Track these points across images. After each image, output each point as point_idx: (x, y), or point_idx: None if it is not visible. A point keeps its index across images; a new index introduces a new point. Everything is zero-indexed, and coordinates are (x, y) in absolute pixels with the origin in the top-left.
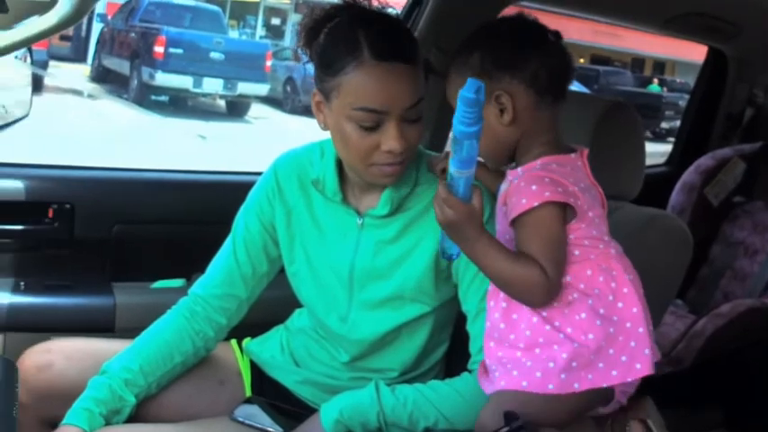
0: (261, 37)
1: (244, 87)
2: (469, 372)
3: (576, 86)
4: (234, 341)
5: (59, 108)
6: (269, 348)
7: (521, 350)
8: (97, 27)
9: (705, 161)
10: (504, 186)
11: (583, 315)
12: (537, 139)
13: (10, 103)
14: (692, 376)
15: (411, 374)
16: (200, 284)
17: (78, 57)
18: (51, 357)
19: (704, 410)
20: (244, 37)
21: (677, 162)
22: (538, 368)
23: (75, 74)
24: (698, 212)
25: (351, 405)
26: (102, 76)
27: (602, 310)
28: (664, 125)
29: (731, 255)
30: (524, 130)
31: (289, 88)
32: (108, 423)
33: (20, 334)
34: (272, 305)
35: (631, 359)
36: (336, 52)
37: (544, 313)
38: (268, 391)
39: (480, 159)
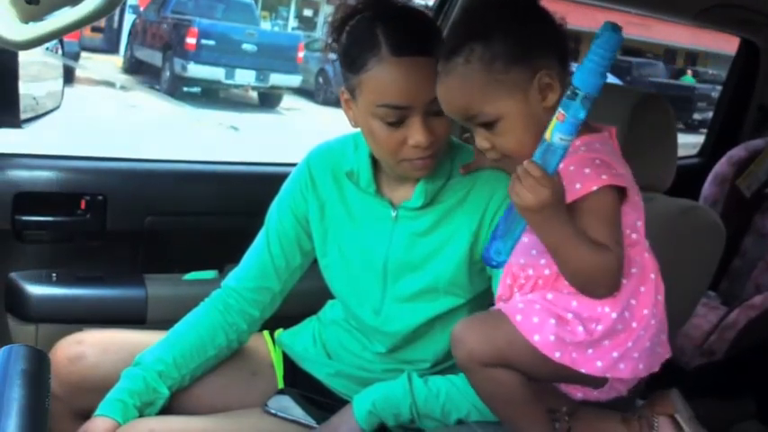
0: (293, 28)
1: (276, 79)
2: None
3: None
4: (266, 332)
5: (91, 100)
6: (301, 340)
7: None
8: (129, 18)
9: (737, 152)
10: None
11: (606, 308)
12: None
13: (41, 95)
14: (724, 367)
15: (444, 365)
16: (234, 277)
17: (110, 48)
18: (83, 349)
19: (736, 401)
20: (276, 28)
21: (709, 153)
22: (552, 332)
23: (107, 65)
24: (730, 204)
25: (383, 396)
26: (134, 67)
27: (633, 301)
28: (696, 116)
29: (763, 246)
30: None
31: (321, 79)
32: (141, 415)
33: (52, 325)
34: (304, 297)
35: (620, 358)
36: (357, 49)
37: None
38: (300, 382)
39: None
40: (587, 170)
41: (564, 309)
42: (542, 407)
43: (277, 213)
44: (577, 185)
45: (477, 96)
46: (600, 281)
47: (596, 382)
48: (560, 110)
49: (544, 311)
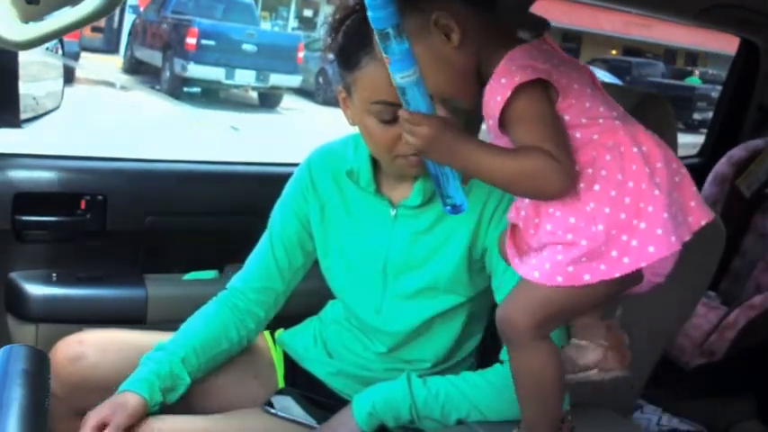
0: (293, 28)
1: (276, 79)
2: (501, 363)
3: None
4: (267, 332)
5: (91, 100)
6: (302, 340)
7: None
8: (129, 18)
9: (737, 152)
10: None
11: (592, 205)
12: (494, 46)
13: (41, 95)
14: (724, 367)
15: (444, 366)
16: (239, 278)
17: (110, 48)
18: (83, 349)
19: (736, 401)
20: (276, 28)
21: (709, 153)
22: (548, 260)
23: (107, 65)
24: (730, 204)
25: (383, 398)
26: (134, 67)
27: (612, 192)
28: (696, 116)
29: (763, 246)
30: (479, 45)
31: (321, 80)
32: (163, 400)
33: (52, 325)
34: (305, 296)
35: (642, 242)
36: (352, 48)
37: (558, 213)
38: (300, 382)
39: None
40: (503, 80)
41: (563, 232)
42: (561, 401)
43: (279, 215)
44: (498, 98)
45: None
46: (538, 183)
47: (636, 281)
48: (384, 55)
49: (550, 251)
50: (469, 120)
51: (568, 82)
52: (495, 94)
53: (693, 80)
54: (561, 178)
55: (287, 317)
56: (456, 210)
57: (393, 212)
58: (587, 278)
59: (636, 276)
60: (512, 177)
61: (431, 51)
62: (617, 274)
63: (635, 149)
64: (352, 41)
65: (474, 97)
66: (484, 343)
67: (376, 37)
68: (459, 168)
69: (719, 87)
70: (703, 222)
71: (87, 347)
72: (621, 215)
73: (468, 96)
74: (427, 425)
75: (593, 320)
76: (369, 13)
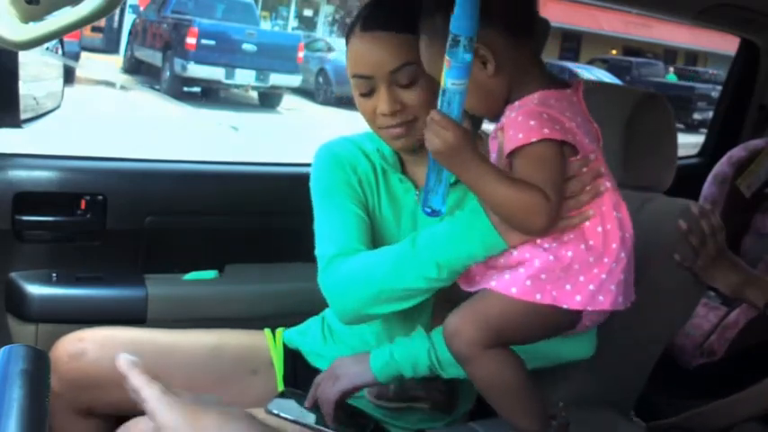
0: (293, 28)
1: (276, 79)
2: None
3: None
4: (267, 330)
5: (91, 99)
6: (311, 337)
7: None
8: (129, 18)
9: (737, 152)
10: (501, 119)
11: (571, 236)
12: (526, 77)
13: (41, 95)
14: (724, 367)
15: None
16: (336, 244)
17: (110, 48)
18: (84, 346)
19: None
20: (276, 28)
21: (710, 153)
22: (508, 271)
23: (107, 65)
24: (730, 204)
25: (401, 346)
26: (134, 67)
27: (591, 242)
28: (696, 116)
29: (763, 246)
30: (511, 74)
31: (321, 79)
32: None
33: (52, 325)
34: (306, 295)
35: (598, 290)
36: (349, 26)
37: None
38: (301, 381)
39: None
40: (532, 122)
41: (530, 250)
42: (540, 397)
43: (333, 183)
44: (520, 135)
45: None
46: (524, 217)
47: (573, 324)
48: (447, 57)
49: (514, 268)
50: (474, 119)
51: (584, 141)
52: (519, 130)
53: (671, 77)
54: (546, 219)
55: (288, 315)
56: (434, 213)
57: (417, 194)
58: (538, 297)
59: (573, 321)
60: (507, 204)
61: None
62: (564, 306)
63: (615, 214)
64: (352, 21)
65: (499, 117)
66: None
67: (449, 40)
68: (465, 182)
69: (719, 87)
70: (633, 298)
71: (87, 344)
72: (590, 258)
73: (493, 116)
74: (450, 371)
75: (541, 428)
76: (453, 14)
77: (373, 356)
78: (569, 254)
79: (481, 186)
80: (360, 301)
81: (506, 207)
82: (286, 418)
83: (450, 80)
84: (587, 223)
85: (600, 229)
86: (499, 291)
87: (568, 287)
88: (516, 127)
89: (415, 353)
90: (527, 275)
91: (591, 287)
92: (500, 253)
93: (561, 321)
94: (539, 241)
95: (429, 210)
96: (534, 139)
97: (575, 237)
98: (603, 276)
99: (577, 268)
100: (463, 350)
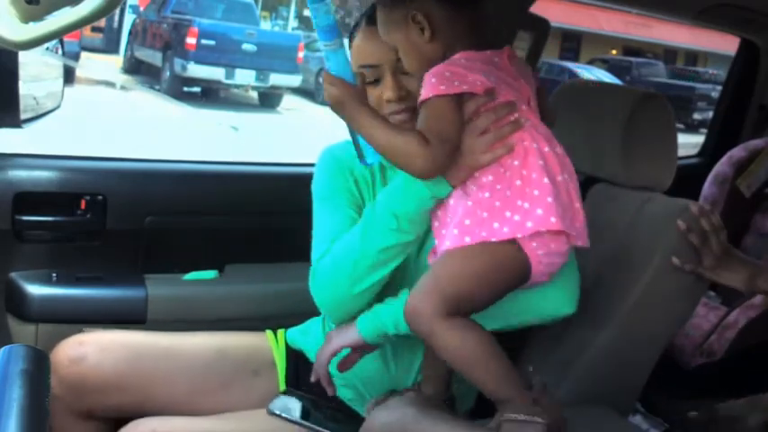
0: (293, 28)
1: (276, 79)
2: None
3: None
4: (269, 331)
5: (91, 99)
6: (313, 336)
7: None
8: (129, 18)
9: (737, 152)
10: None
11: (490, 177)
12: (459, 43)
13: (41, 95)
14: (724, 367)
15: None
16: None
17: (110, 48)
18: (84, 349)
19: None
20: (276, 28)
21: (710, 153)
22: (455, 227)
23: (107, 65)
24: (730, 204)
25: (386, 304)
26: (134, 67)
27: (507, 173)
28: (696, 116)
29: (763, 246)
30: (447, 41)
31: (321, 80)
32: None
33: (52, 325)
34: (306, 295)
35: (524, 218)
36: (352, 27)
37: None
38: (303, 381)
39: None
40: (433, 80)
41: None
42: (509, 363)
43: (334, 191)
44: (422, 91)
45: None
46: (405, 159)
47: (523, 279)
48: (314, 23)
49: (458, 221)
50: None
51: (504, 92)
52: (424, 88)
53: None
54: (425, 162)
55: (288, 315)
56: (364, 161)
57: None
58: (468, 240)
59: (523, 264)
60: (389, 148)
61: (408, 40)
62: (493, 239)
63: (534, 146)
64: (356, 21)
65: None
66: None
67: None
68: (358, 132)
69: (719, 87)
70: (579, 243)
71: (88, 348)
72: (507, 192)
73: None
74: None
75: (518, 392)
76: None
77: (360, 318)
78: (486, 195)
79: (367, 133)
80: (342, 285)
81: (389, 151)
82: (287, 419)
83: (322, 43)
84: (508, 162)
85: (517, 163)
86: (440, 251)
87: (496, 225)
88: (424, 85)
89: (397, 310)
90: (454, 225)
91: (516, 217)
92: (447, 197)
93: (508, 266)
94: (464, 188)
95: (366, 162)
96: (430, 95)
97: (494, 178)
98: (526, 206)
99: (499, 205)
100: (424, 326)
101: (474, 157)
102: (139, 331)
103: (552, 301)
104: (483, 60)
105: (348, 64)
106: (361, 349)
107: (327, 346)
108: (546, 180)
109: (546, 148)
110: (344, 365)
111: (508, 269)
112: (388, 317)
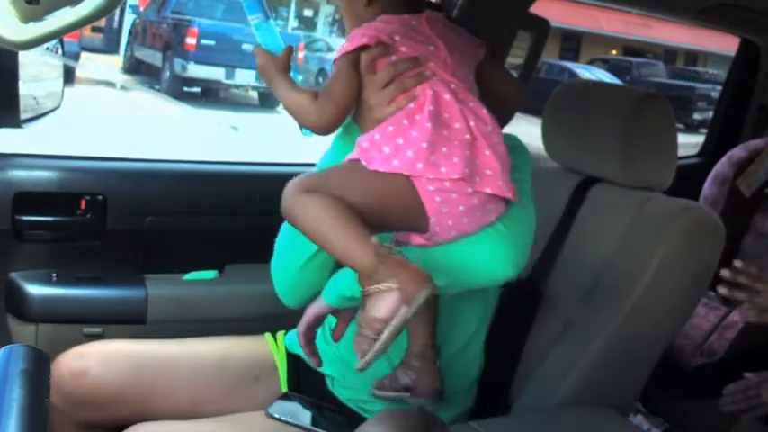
0: (293, 29)
1: None
2: None
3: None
4: (268, 335)
5: (91, 100)
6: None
7: None
8: (129, 18)
9: (737, 152)
10: None
11: (391, 128)
12: (393, 9)
13: (41, 95)
14: (724, 367)
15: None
16: None
17: (110, 48)
18: (86, 364)
19: None
20: (276, 28)
21: (710, 153)
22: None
23: (107, 65)
24: (730, 204)
25: (344, 270)
26: (134, 67)
27: (401, 114)
28: (696, 116)
29: (763, 246)
30: (383, 7)
31: (321, 79)
32: None
33: (52, 325)
34: None
35: (393, 154)
36: None
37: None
38: (304, 384)
39: None
40: (345, 44)
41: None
42: (363, 231)
43: None
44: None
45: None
46: (298, 116)
47: (422, 226)
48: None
49: None
50: None
51: (401, 45)
52: (339, 48)
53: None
54: (312, 118)
55: (288, 315)
56: (310, 134)
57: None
58: (364, 163)
59: (412, 197)
60: (288, 106)
61: (349, 5)
62: (381, 169)
63: (430, 92)
64: None
65: None
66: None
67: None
68: (276, 96)
69: (719, 87)
70: (488, 190)
71: (89, 361)
72: (390, 128)
73: None
74: None
75: (374, 259)
76: None
77: (325, 287)
78: (376, 136)
79: (278, 96)
80: (289, 259)
81: (289, 108)
82: (287, 421)
83: (249, 16)
84: (412, 105)
85: (412, 105)
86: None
87: (374, 154)
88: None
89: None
90: (364, 139)
91: (386, 150)
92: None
93: (393, 195)
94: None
95: (307, 132)
96: (337, 56)
97: (395, 129)
98: (400, 141)
99: (378, 138)
100: (287, 201)
101: (380, 109)
102: (140, 340)
103: (487, 260)
104: (399, 22)
105: (276, 35)
106: (343, 318)
107: (302, 321)
108: (428, 125)
109: (446, 96)
110: (335, 335)
111: (393, 198)
112: (345, 278)
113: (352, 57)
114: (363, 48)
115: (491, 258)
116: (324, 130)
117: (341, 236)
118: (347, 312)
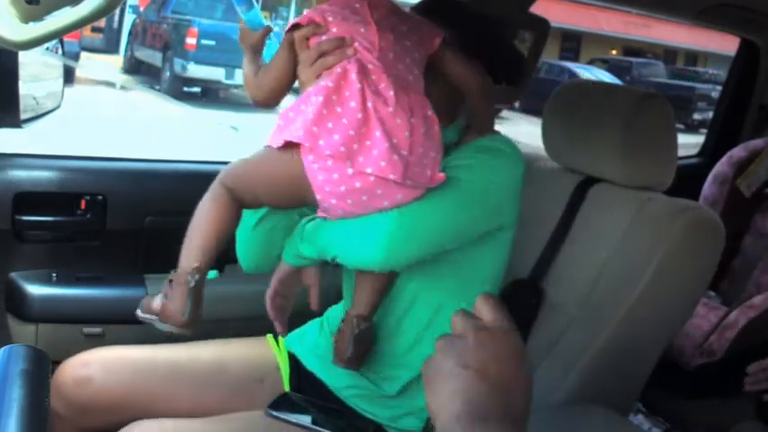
0: None
1: None
2: None
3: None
4: (270, 336)
5: (91, 100)
6: (311, 340)
7: None
8: (129, 18)
9: (737, 152)
10: None
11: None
12: None
13: (41, 95)
14: (724, 367)
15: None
16: None
17: (110, 48)
18: (89, 372)
19: (736, 401)
20: (276, 29)
21: (710, 153)
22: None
23: (107, 65)
24: (730, 204)
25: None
26: (134, 67)
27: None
28: (696, 116)
29: (763, 246)
30: None
31: None
32: None
33: (52, 325)
34: (305, 296)
35: (285, 127)
36: None
37: None
38: (305, 384)
39: None
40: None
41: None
42: (213, 244)
43: None
44: None
45: None
46: (246, 88)
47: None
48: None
49: None
50: None
51: (334, 26)
52: None
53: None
54: (250, 90)
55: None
56: None
57: None
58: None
59: (303, 184)
60: (243, 79)
61: None
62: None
63: (338, 69)
64: None
65: None
66: None
67: None
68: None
69: (719, 87)
70: (368, 170)
71: (92, 369)
72: (324, 111)
73: None
74: (306, 250)
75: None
76: None
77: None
78: (290, 113)
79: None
80: (244, 219)
81: (243, 80)
82: (286, 420)
83: (237, 7)
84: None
85: (323, 83)
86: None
87: (281, 123)
88: None
89: (302, 228)
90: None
91: (280, 122)
92: None
93: (283, 170)
94: None
95: None
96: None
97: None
98: (291, 115)
99: (281, 113)
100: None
101: (309, 84)
102: (142, 346)
103: (360, 243)
104: (341, 4)
105: (260, 18)
106: (307, 279)
107: (269, 289)
108: (316, 99)
109: (353, 75)
110: (312, 301)
111: (283, 172)
112: (298, 235)
113: (290, 36)
114: (298, 27)
115: (366, 241)
116: (263, 103)
117: (193, 235)
118: (309, 273)
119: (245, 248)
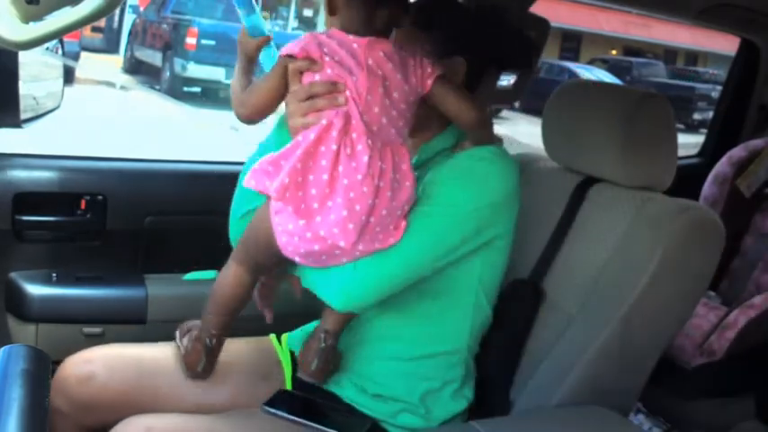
0: (293, 28)
1: None
2: None
3: (608, 77)
4: (272, 336)
5: (91, 99)
6: None
7: None
8: (129, 18)
9: (737, 152)
10: None
11: (299, 138)
12: (351, 26)
13: (41, 95)
14: (724, 367)
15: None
16: None
17: (110, 48)
18: (92, 368)
19: (736, 401)
20: (276, 28)
21: (710, 153)
22: None
23: (107, 65)
24: (730, 204)
25: None
26: (134, 67)
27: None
28: (696, 116)
29: (763, 247)
30: (343, 21)
31: None
32: None
33: (52, 325)
34: (306, 295)
35: (263, 177)
36: None
37: None
38: (306, 382)
39: None
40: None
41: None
42: (227, 310)
43: None
44: None
45: None
46: (232, 101)
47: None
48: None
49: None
50: None
51: (326, 66)
52: None
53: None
54: (235, 107)
55: (288, 315)
56: None
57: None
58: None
59: (271, 237)
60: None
61: (326, 10)
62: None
63: (324, 121)
64: None
65: None
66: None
67: None
68: None
69: (719, 87)
70: (321, 232)
71: (95, 366)
72: (298, 165)
73: None
74: None
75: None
76: None
77: None
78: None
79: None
80: (232, 211)
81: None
82: (282, 416)
83: (238, 9)
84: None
85: (312, 135)
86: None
87: (271, 169)
88: None
89: None
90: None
91: (286, 180)
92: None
93: (259, 226)
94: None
95: None
96: (280, 54)
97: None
98: (270, 169)
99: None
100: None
101: (293, 119)
102: (145, 344)
103: (324, 288)
104: (340, 42)
105: (261, 23)
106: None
107: None
108: (299, 152)
109: (333, 132)
110: (297, 288)
111: (260, 228)
112: None
113: (283, 62)
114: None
115: (330, 289)
116: (245, 120)
117: (212, 303)
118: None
119: (235, 236)
